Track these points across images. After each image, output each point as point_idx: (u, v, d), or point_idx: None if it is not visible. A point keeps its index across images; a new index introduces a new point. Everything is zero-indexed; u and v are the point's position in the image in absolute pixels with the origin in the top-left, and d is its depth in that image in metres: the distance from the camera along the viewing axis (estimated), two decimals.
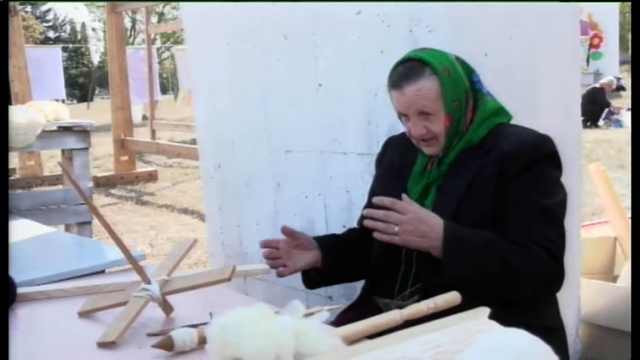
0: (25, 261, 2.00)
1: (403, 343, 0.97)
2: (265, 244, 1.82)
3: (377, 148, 1.99)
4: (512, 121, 1.76)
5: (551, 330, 1.65)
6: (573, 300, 2.37)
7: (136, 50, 11.91)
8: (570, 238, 2.30)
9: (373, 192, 1.90)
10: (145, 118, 12.44)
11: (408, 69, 1.65)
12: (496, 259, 1.54)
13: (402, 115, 1.70)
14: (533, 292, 1.61)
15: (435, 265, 1.61)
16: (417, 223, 1.54)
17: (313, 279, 1.89)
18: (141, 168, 9.09)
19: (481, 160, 1.63)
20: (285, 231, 1.78)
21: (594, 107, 11.95)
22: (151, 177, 8.66)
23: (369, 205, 1.90)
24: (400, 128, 1.85)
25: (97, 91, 39.17)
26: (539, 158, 1.61)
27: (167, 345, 1.24)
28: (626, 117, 11.43)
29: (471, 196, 1.61)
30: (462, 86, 1.67)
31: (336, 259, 1.83)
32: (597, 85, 12.84)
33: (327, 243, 1.85)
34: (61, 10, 44.90)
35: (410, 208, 1.55)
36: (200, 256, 4.50)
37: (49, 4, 40.32)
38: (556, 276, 1.60)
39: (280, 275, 1.80)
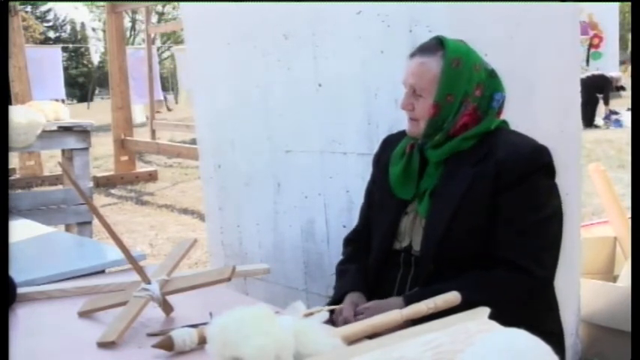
0: (25, 261, 2.00)
1: (403, 343, 0.97)
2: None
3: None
4: (511, 121, 1.76)
5: (549, 334, 1.64)
6: (573, 300, 2.37)
7: (136, 50, 11.93)
8: (570, 238, 2.31)
9: (370, 192, 1.90)
10: (148, 118, 12.41)
11: (427, 43, 1.69)
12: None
13: (404, 85, 1.70)
14: (508, 306, 1.50)
15: (432, 268, 1.61)
16: (378, 310, 1.50)
17: None
18: (141, 168, 9.08)
19: (476, 169, 1.61)
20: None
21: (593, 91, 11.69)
22: (151, 177, 8.65)
23: (367, 205, 1.91)
24: (400, 127, 1.85)
25: (97, 91, 39.16)
26: (533, 170, 1.59)
27: (167, 345, 1.24)
28: (626, 117, 11.40)
29: (465, 207, 1.60)
30: (463, 86, 1.63)
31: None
32: (607, 76, 12.65)
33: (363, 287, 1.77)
34: (61, 10, 44.99)
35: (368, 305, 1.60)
36: (200, 256, 4.50)
37: (49, 4, 40.36)
38: (524, 292, 1.57)
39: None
